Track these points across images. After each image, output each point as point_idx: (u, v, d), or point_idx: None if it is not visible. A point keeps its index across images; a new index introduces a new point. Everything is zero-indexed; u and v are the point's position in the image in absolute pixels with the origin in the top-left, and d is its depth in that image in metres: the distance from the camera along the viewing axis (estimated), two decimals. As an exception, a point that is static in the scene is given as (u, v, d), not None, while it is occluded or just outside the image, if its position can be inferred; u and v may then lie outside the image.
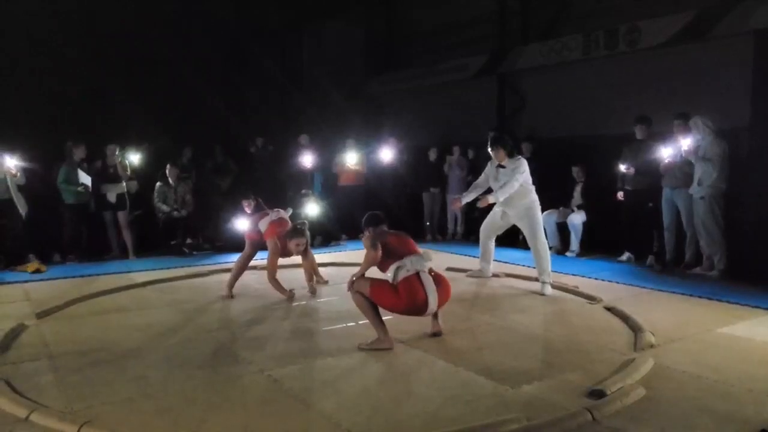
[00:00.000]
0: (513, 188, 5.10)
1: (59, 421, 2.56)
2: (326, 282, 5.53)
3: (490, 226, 5.66)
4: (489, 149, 5.35)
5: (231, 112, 9.92)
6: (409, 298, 3.56)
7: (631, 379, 3.00)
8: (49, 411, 2.67)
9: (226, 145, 8.67)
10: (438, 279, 3.73)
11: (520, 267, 6.27)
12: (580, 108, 7.94)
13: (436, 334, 3.86)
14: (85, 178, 6.79)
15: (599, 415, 2.62)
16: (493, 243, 5.76)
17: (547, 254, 5.19)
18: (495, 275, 5.81)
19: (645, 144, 6.25)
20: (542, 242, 5.20)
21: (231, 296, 5.04)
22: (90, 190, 6.84)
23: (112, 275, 6.02)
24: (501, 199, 5.19)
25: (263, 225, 5.06)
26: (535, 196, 5.28)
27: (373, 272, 3.78)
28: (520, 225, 5.37)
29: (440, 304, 3.70)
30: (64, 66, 8.50)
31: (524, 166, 5.19)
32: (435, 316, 3.86)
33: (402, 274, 3.59)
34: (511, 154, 5.23)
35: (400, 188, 8.64)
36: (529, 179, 5.26)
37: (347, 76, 11.25)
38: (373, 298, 3.63)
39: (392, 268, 3.63)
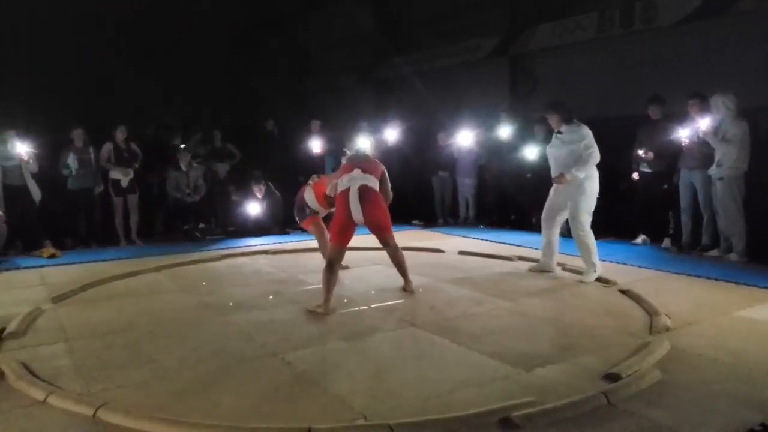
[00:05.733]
0: (592, 159, 4.64)
1: (76, 403, 2.59)
2: (346, 267, 5.39)
3: (549, 211, 5.06)
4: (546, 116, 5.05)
5: (238, 97, 9.89)
6: (341, 211, 4.19)
7: (647, 363, 2.96)
8: (66, 394, 2.70)
9: (227, 131, 8.63)
10: (368, 194, 4.20)
11: (533, 250, 6.22)
12: (594, 89, 7.79)
13: (405, 290, 4.49)
14: (72, 162, 6.81)
15: (614, 399, 2.59)
16: (556, 232, 5.10)
17: (590, 240, 4.76)
18: (560, 265, 5.22)
19: (661, 125, 6.12)
20: (581, 226, 4.75)
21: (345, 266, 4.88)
22: (79, 172, 6.84)
23: (126, 260, 6.08)
24: (581, 176, 4.68)
25: (310, 198, 4.88)
26: (591, 173, 4.74)
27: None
28: (567, 205, 4.86)
29: (370, 218, 4.20)
30: (75, 52, 8.51)
31: (588, 132, 4.73)
32: (405, 278, 4.53)
33: (339, 189, 4.27)
34: (567, 120, 4.82)
35: (407, 172, 8.53)
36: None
37: (357, 59, 11.13)
38: (331, 234, 4.27)
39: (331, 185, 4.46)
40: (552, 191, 5.02)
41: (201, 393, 2.77)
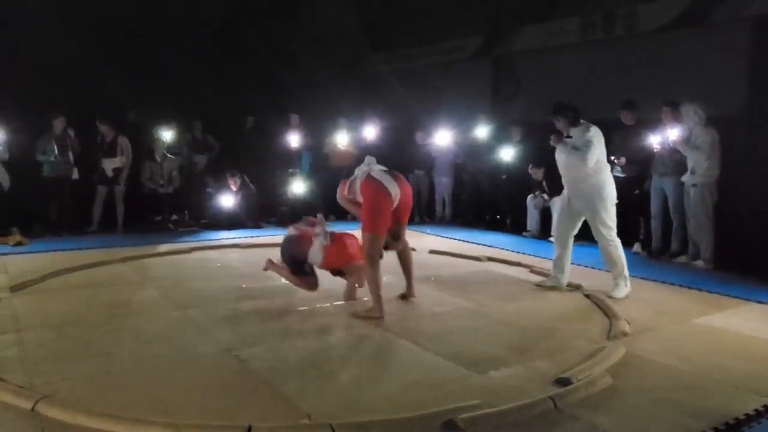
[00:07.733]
0: (589, 154, 4.26)
1: (15, 396, 2.52)
2: None
3: (561, 220, 4.71)
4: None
5: (218, 88, 9.78)
6: (373, 194, 3.87)
7: (600, 368, 2.96)
8: (6, 385, 2.62)
9: (207, 122, 8.54)
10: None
11: (504, 252, 6.23)
12: (575, 92, 7.76)
13: (406, 297, 4.25)
14: (52, 149, 6.75)
15: (562, 404, 2.58)
16: (569, 245, 4.69)
17: (617, 250, 4.43)
18: (571, 285, 4.73)
19: (634, 130, 6.16)
20: (607, 235, 4.41)
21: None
22: (58, 159, 6.77)
23: (93, 250, 5.96)
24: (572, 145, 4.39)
25: (315, 249, 4.09)
26: (605, 177, 4.41)
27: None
28: (585, 215, 4.52)
29: (405, 194, 3.98)
30: (50, 38, 8.33)
31: (594, 133, 4.37)
32: (409, 281, 4.25)
33: (359, 180, 4.00)
34: (574, 122, 4.48)
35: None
36: (602, 151, 4.43)
37: (341, 54, 11.08)
38: (365, 223, 3.86)
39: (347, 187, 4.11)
40: (565, 201, 4.66)
41: (147, 388, 2.72)
